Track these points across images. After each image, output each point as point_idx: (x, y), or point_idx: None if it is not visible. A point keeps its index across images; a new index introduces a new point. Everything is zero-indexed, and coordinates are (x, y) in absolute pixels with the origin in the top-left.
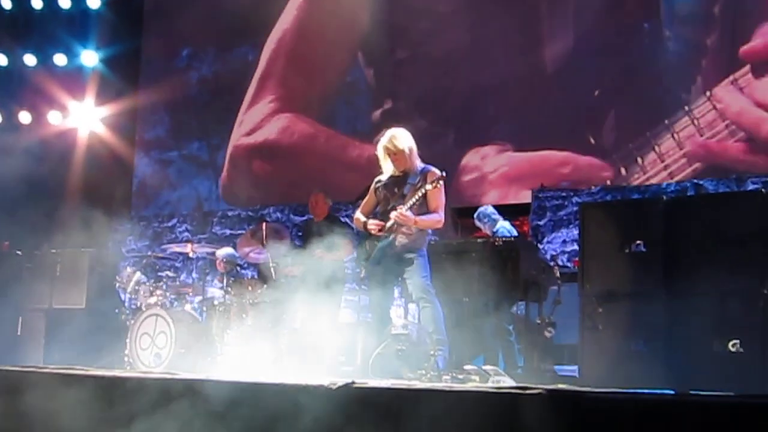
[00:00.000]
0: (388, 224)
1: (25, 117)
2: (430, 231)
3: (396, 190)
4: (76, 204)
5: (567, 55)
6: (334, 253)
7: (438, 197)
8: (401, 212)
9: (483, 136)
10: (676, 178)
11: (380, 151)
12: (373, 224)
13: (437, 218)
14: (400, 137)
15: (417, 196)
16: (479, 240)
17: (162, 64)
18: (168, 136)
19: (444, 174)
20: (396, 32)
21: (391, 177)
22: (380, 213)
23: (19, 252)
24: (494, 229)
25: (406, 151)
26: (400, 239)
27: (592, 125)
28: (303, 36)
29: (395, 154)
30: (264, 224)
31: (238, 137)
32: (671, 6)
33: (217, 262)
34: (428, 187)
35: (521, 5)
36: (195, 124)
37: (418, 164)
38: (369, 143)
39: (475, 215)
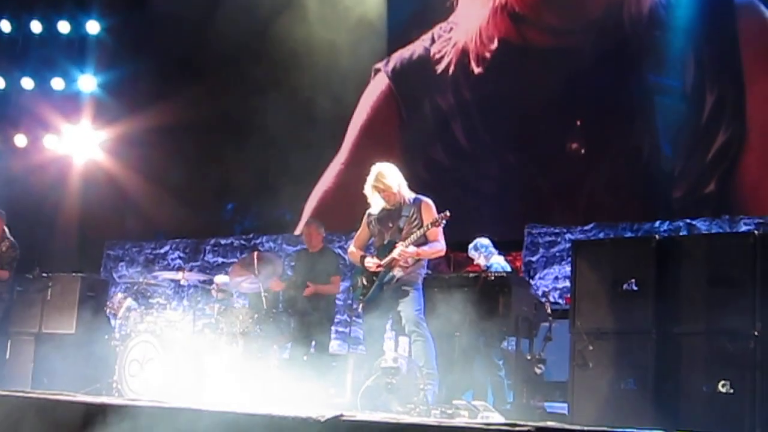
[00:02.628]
0: (386, 260)
1: (21, 140)
2: (425, 265)
3: (390, 224)
4: (70, 228)
5: None
6: (325, 287)
7: (437, 231)
8: (403, 250)
9: None
10: None
11: (368, 190)
12: (371, 263)
13: (440, 247)
14: (388, 174)
15: (417, 235)
16: (472, 275)
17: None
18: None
19: (448, 213)
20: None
21: (384, 210)
22: (376, 247)
23: None
24: (488, 263)
25: (395, 187)
26: (397, 273)
27: None
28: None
29: (384, 191)
30: (256, 253)
31: None
32: None
33: (213, 289)
34: (428, 226)
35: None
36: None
37: (409, 196)
38: None
39: (471, 245)
